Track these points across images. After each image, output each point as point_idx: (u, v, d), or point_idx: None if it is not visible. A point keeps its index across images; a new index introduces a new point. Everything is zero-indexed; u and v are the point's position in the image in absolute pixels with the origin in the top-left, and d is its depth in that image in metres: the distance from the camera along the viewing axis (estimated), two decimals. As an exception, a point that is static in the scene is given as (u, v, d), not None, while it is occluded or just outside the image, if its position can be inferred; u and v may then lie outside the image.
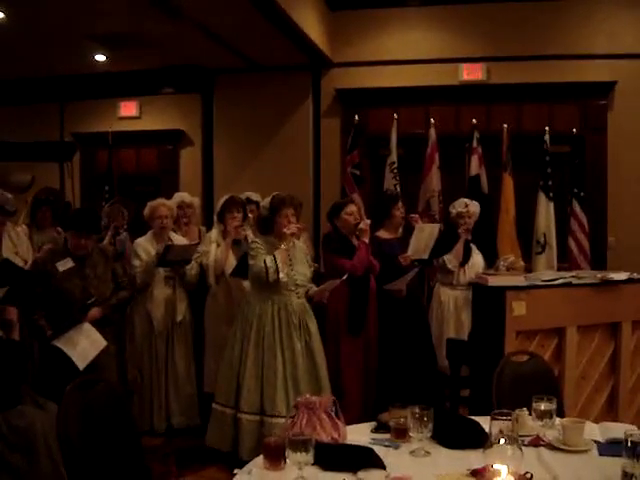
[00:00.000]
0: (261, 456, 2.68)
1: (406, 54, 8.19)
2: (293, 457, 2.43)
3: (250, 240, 5.23)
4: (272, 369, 4.77)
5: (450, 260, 6.13)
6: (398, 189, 7.34)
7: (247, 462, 4.57)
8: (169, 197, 6.23)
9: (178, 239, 5.79)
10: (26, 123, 9.32)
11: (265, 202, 5.00)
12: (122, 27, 7.26)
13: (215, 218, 5.70)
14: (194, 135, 9.07)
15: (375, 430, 3.00)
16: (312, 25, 7.54)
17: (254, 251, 4.84)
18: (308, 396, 3.00)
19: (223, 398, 4.95)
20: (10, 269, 4.37)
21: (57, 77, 9.17)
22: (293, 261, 4.95)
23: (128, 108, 9.26)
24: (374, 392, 5.58)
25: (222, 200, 5.67)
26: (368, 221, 5.53)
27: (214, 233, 5.63)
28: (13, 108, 9.51)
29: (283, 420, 4.77)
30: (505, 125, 7.50)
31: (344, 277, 5.08)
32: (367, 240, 5.47)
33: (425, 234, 5.69)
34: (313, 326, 4.96)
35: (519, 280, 4.74)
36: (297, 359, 4.82)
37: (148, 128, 9.14)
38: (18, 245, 5.17)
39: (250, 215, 5.84)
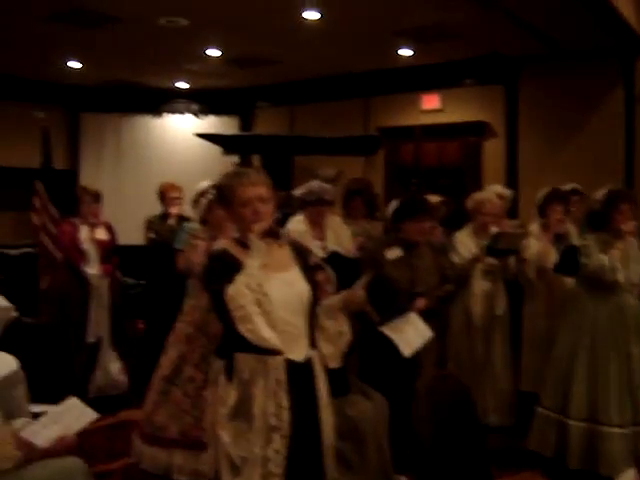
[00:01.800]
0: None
1: None
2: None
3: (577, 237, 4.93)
4: (605, 375, 4.47)
5: None
6: None
7: (574, 471, 4.37)
8: (472, 190, 6.07)
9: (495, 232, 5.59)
10: (332, 119, 9.70)
11: (598, 196, 4.69)
12: (427, 20, 7.26)
13: (535, 211, 5.46)
14: (498, 127, 8.86)
15: None
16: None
17: (587, 249, 4.56)
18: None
19: (549, 401, 4.73)
20: (340, 260, 4.48)
21: (361, 73, 9.43)
22: (628, 259, 4.60)
23: (431, 101, 9.27)
24: None
25: (543, 192, 5.42)
26: None
27: (534, 227, 5.41)
28: (320, 104, 9.94)
29: (617, 430, 4.50)
30: None
31: None
32: None
33: None
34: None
35: None
36: (633, 365, 4.48)
37: (451, 120, 9.08)
38: (340, 235, 5.29)
39: (572, 209, 5.54)
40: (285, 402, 2.87)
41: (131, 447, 4.89)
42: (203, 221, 4.71)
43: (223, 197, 3.07)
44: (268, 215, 2.97)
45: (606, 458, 4.46)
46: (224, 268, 2.88)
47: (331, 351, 3.13)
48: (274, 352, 2.86)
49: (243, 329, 2.78)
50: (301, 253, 3.14)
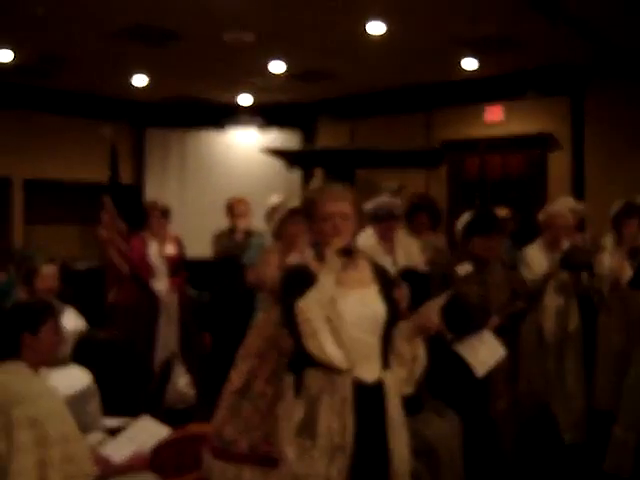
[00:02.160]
0: None
1: None
2: None
3: None
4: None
5: None
6: None
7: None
8: (537, 203, 5.96)
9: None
10: (393, 132, 9.66)
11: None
12: (491, 31, 7.19)
13: (609, 224, 5.34)
14: (563, 139, 8.70)
15: None
16: None
17: None
18: None
19: (626, 420, 4.60)
20: (411, 276, 4.44)
21: (423, 86, 9.38)
22: None
23: (494, 113, 9.16)
24: None
25: (617, 206, 5.31)
26: None
27: (608, 240, 5.29)
28: (381, 117, 9.92)
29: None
30: None
31: None
32: None
33: None
34: None
35: None
36: None
37: (514, 133, 8.96)
38: (410, 250, 5.25)
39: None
40: (350, 422, 2.83)
41: (200, 461, 4.90)
42: (276, 235, 4.72)
43: (306, 210, 3.08)
44: (348, 232, 2.94)
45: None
46: (299, 282, 2.86)
47: (405, 376, 3.04)
48: (341, 370, 2.82)
49: (309, 345, 2.76)
50: (381, 272, 3.10)
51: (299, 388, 2.88)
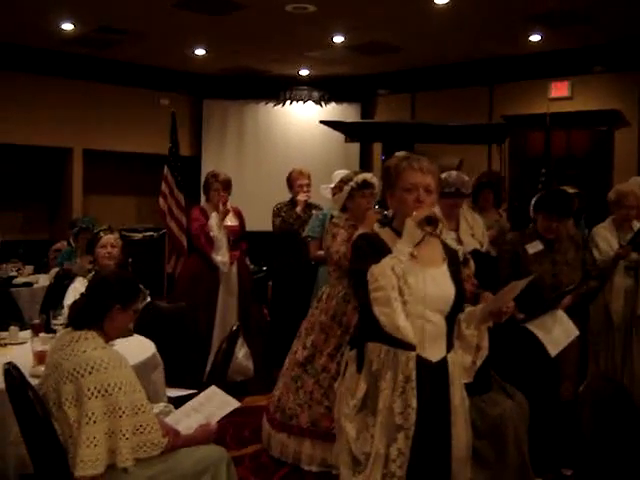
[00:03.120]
0: None
1: None
2: None
3: None
4: None
5: None
6: None
7: None
8: (602, 181, 5.76)
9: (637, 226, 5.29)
10: (454, 106, 9.51)
11: None
12: (558, 4, 6.99)
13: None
14: (631, 115, 8.45)
15: None
16: None
17: None
18: None
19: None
20: (480, 257, 4.33)
21: (486, 59, 9.20)
22: None
23: (559, 89, 8.94)
24: None
25: None
26: None
27: None
28: (442, 92, 9.77)
29: None
30: None
31: None
32: None
33: None
34: None
35: None
36: None
37: (580, 109, 8.73)
38: (474, 227, 5.14)
39: None
40: (413, 401, 2.74)
41: (259, 433, 4.91)
42: (343, 208, 4.65)
43: (387, 178, 2.95)
44: (429, 206, 2.84)
45: None
46: (372, 249, 2.79)
47: (467, 363, 2.95)
48: (407, 346, 2.73)
49: (379, 312, 2.65)
50: (451, 252, 3.00)
51: (361, 363, 2.81)
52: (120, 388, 2.86)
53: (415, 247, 2.74)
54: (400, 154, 3.04)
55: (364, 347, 2.82)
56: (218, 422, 3.34)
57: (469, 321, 2.93)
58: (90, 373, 2.84)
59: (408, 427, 2.74)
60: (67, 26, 8.05)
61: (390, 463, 2.74)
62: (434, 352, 2.82)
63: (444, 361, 2.84)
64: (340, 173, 4.86)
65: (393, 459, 2.73)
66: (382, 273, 2.65)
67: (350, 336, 4.33)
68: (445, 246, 2.99)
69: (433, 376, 2.81)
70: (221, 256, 5.85)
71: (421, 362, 2.77)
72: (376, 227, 2.98)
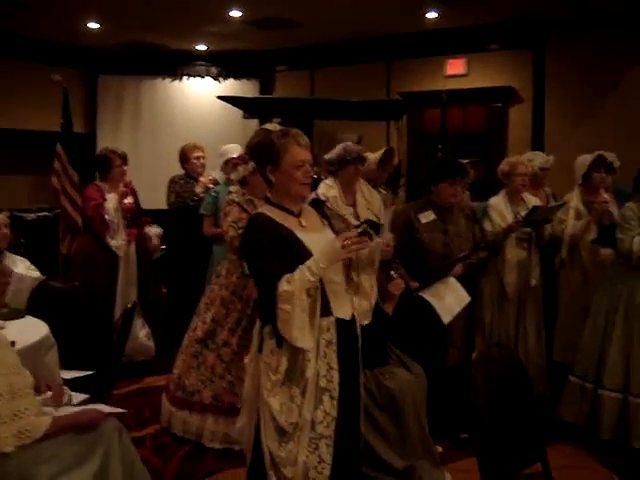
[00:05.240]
0: None
1: None
2: None
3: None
4: (640, 346, 4.35)
5: None
6: None
7: (607, 442, 4.28)
8: (497, 157, 5.89)
9: (529, 200, 5.41)
10: (353, 83, 9.51)
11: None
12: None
13: (578, 178, 5.24)
14: (524, 92, 8.65)
15: None
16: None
17: (627, 224, 4.44)
18: None
19: (582, 371, 4.65)
20: (373, 228, 4.37)
21: (384, 37, 9.23)
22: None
23: (455, 66, 9.06)
24: None
25: (586, 159, 5.16)
26: None
27: (573, 199, 5.23)
28: (341, 68, 9.75)
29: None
30: None
31: None
32: None
33: None
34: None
35: None
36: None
37: (476, 86, 8.87)
38: (371, 202, 5.18)
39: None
40: (335, 363, 2.86)
41: (160, 413, 4.84)
42: (242, 182, 4.57)
43: (269, 153, 2.94)
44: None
45: (638, 430, 4.38)
46: (272, 243, 2.82)
47: (366, 307, 3.07)
48: (323, 313, 2.83)
49: (278, 326, 2.78)
50: (325, 216, 3.19)
51: (280, 338, 2.81)
52: None
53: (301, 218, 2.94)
54: (271, 127, 3.07)
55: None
56: (113, 403, 3.27)
57: (360, 267, 3.05)
58: None
59: (332, 388, 2.84)
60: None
61: (317, 425, 2.81)
62: (345, 310, 2.95)
63: (353, 317, 2.98)
64: (229, 148, 4.79)
65: (320, 421, 2.82)
66: (289, 296, 2.70)
67: (252, 310, 4.34)
68: (317, 211, 3.19)
69: (347, 334, 2.95)
70: (116, 240, 5.71)
71: (339, 323, 2.90)
72: (267, 208, 2.98)
